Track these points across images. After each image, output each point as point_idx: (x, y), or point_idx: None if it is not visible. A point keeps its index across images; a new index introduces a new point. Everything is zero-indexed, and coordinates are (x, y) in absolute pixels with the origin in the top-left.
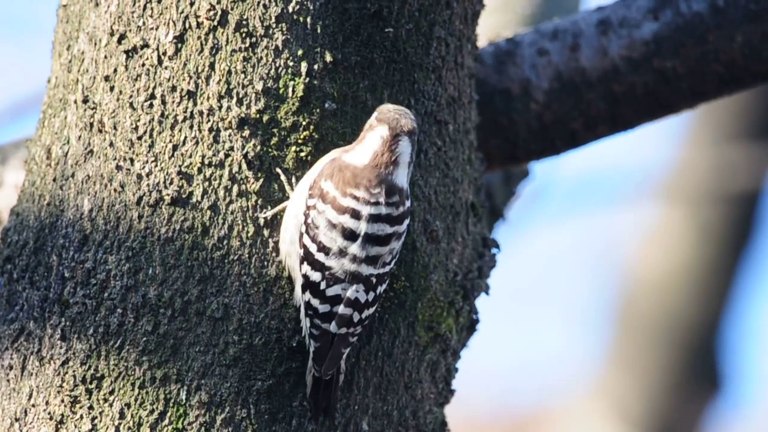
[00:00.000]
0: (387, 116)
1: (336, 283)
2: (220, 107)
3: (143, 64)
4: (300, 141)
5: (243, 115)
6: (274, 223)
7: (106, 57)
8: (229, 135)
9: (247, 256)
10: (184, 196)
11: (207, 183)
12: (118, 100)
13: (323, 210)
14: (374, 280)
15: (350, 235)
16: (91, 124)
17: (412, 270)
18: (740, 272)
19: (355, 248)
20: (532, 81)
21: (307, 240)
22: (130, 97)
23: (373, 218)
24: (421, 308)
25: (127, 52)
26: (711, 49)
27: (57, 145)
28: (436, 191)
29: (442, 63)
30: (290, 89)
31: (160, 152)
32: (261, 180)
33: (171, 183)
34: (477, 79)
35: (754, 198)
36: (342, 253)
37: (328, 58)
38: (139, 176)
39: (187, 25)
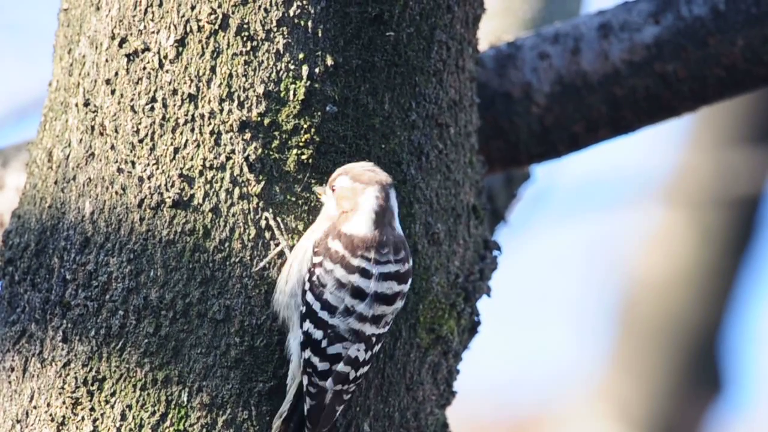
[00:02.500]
0: (366, 177)
1: (338, 342)
2: (222, 110)
3: (144, 68)
4: (301, 144)
5: (244, 118)
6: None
7: (107, 60)
8: (231, 138)
9: (248, 258)
10: (185, 198)
11: (208, 185)
12: (119, 103)
13: (331, 269)
14: (374, 340)
15: (359, 294)
16: (93, 127)
17: (413, 272)
18: (741, 275)
19: (362, 307)
20: (533, 84)
21: (310, 297)
22: (132, 100)
23: (383, 276)
24: (422, 310)
25: (128, 55)
26: (712, 53)
27: (58, 148)
28: (438, 194)
29: (443, 66)
30: (291, 92)
31: (162, 155)
32: (262, 182)
33: (172, 186)
34: (478, 83)
35: (756, 201)
36: (348, 311)
37: (329, 61)
38: (141, 179)
39: (188, 29)
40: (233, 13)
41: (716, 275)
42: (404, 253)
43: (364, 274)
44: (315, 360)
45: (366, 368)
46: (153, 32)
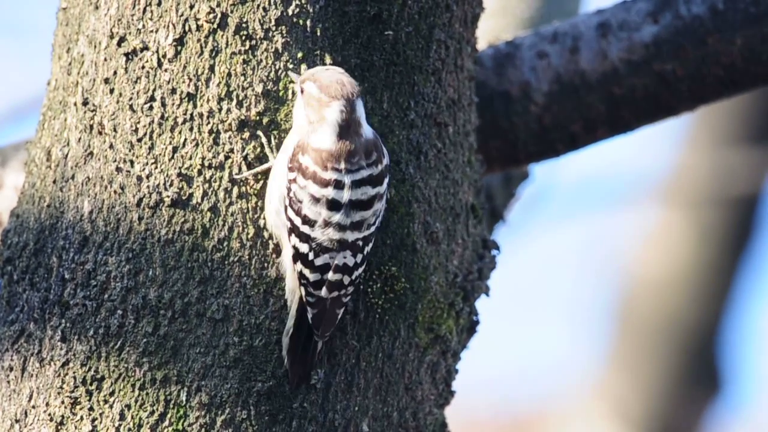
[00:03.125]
0: (332, 90)
1: (324, 253)
2: (220, 109)
3: (143, 67)
4: None
5: (243, 117)
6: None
7: (105, 59)
8: (229, 137)
9: (247, 257)
10: (184, 197)
11: (207, 185)
12: (117, 102)
13: (305, 185)
14: (361, 243)
15: (335, 206)
16: (91, 126)
17: (412, 271)
18: (740, 274)
19: (339, 217)
20: (532, 83)
21: (291, 213)
22: (130, 99)
23: (356, 183)
24: (421, 310)
25: (126, 54)
26: (711, 52)
27: (57, 147)
28: (436, 193)
29: (442, 66)
30: (290, 92)
31: (160, 154)
32: (261, 182)
33: (171, 185)
34: (477, 82)
35: (754, 201)
36: (327, 224)
37: (328, 60)
38: (139, 178)
39: (186, 28)
40: (232, 12)
41: (714, 274)
42: (376, 155)
43: (337, 185)
44: (306, 272)
45: (360, 270)
46: (152, 31)
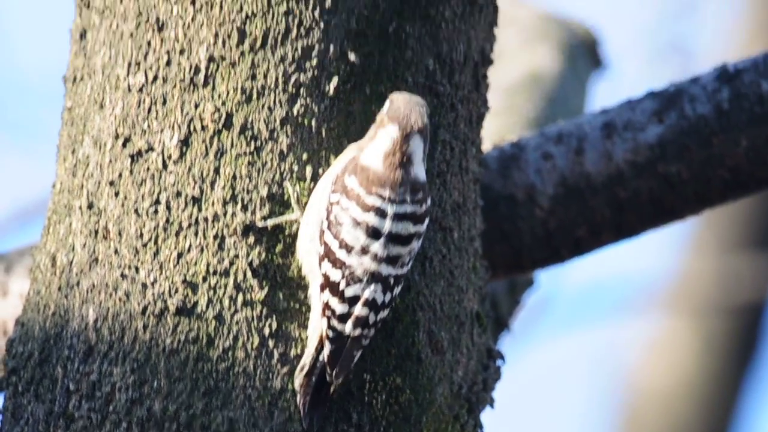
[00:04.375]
0: (397, 114)
1: (355, 283)
2: (225, 213)
3: (148, 169)
4: None
5: (248, 221)
6: (279, 334)
7: (110, 161)
8: (234, 242)
9: (252, 367)
10: (189, 305)
11: (212, 292)
12: (123, 205)
13: (347, 207)
14: (392, 281)
15: (374, 234)
16: (96, 231)
17: (417, 383)
18: (745, 383)
19: (377, 247)
20: (537, 186)
21: (328, 237)
22: (135, 202)
23: (398, 217)
24: (426, 422)
25: (132, 156)
26: (716, 153)
27: (62, 252)
28: (441, 300)
29: (447, 167)
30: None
31: (165, 260)
32: (266, 289)
33: (176, 292)
34: (482, 185)
35: (760, 308)
36: (364, 251)
37: (333, 161)
38: (144, 285)
39: (191, 128)
40: (237, 111)
41: (720, 383)
42: (422, 194)
43: (379, 212)
44: (333, 302)
45: (385, 312)
46: (157, 131)
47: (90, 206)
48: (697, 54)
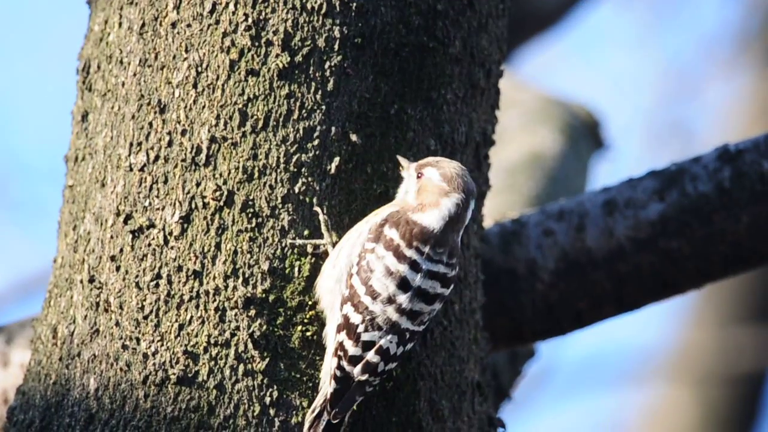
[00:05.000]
0: (456, 183)
1: (374, 330)
2: (227, 287)
3: (149, 244)
4: (306, 320)
5: (249, 294)
6: (280, 403)
7: (112, 237)
8: (235, 314)
9: None
10: (190, 375)
11: (213, 362)
12: (124, 279)
13: (383, 256)
14: (407, 336)
15: (404, 285)
16: (98, 304)
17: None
18: None
19: (404, 299)
20: (538, 261)
21: (356, 281)
22: (136, 276)
23: (430, 274)
24: None
25: (133, 232)
26: (717, 230)
27: (63, 324)
28: (442, 370)
29: None
30: (296, 269)
31: (166, 331)
32: (267, 359)
33: (177, 362)
34: (483, 259)
35: (760, 379)
36: (390, 300)
37: (335, 238)
38: (145, 355)
39: (193, 206)
40: (238, 189)
41: None
42: (456, 260)
43: (414, 266)
44: (348, 344)
45: (394, 364)
46: (158, 209)
47: (91, 280)
48: (698, 135)
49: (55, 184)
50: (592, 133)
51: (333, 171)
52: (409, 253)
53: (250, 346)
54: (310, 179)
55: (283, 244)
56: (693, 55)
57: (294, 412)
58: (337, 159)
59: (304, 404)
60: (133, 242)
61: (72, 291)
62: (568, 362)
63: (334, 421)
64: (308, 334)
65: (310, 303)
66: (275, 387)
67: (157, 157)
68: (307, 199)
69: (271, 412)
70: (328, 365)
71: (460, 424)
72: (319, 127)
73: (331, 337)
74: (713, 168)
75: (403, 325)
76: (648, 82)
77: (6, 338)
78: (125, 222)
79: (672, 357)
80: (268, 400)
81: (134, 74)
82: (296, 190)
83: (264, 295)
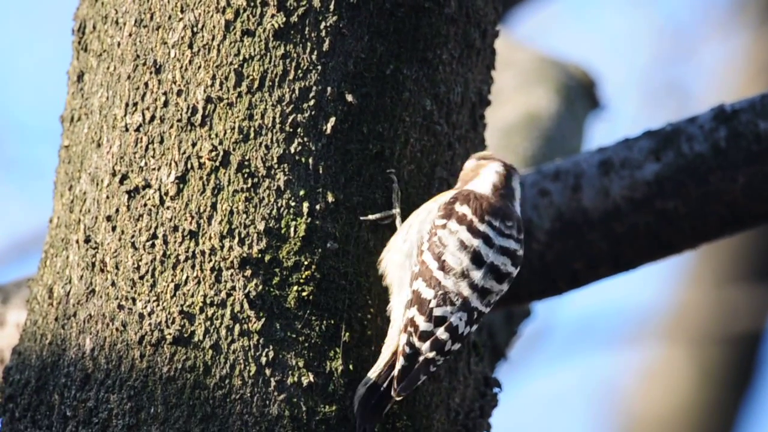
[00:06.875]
0: (494, 156)
1: (446, 305)
2: (222, 247)
3: (145, 205)
4: (302, 281)
5: (245, 254)
6: (276, 363)
7: (108, 197)
8: (231, 275)
9: (248, 395)
10: (186, 335)
11: (209, 322)
12: (119, 240)
13: (456, 230)
14: (475, 315)
15: (477, 260)
16: (93, 264)
17: (413, 409)
18: (742, 413)
19: (477, 275)
20: (534, 221)
21: (428, 257)
22: (132, 237)
23: (502, 250)
24: None
25: (129, 192)
26: (713, 190)
27: (59, 284)
28: None
29: None
30: (292, 229)
31: (162, 292)
32: (263, 319)
33: (173, 322)
34: None
35: (756, 338)
36: (463, 275)
37: (330, 198)
38: (141, 315)
39: (189, 166)
40: (234, 149)
41: (717, 413)
42: (523, 236)
43: (487, 241)
44: (419, 319)
45: (458, 345)
46: (154, 169)
47: (87, 240)
48: (694, 95)
49: (51, 145)
50: (588, 94)
51: (329, 131)
52: (483, 227)
53: (245, 306)
54: (305, 139)
55: (279, 204)
56: (689, 15)
57: (290, 372)
58: (332, 119)
59: (300, 364)
60: (128, 202)
61: (68, 251)
62: (564, 322)
63: (398, 399)
64: (304, 294)
65: (305, 263)
66: (271, 347)
67: (152, 118)
68: (303, 159)
69: (267, 372)
70: (394, 341)
71: (455, 384)
72: (314, 88)
73: (399, 313)
74: (709, 128)
75: (473, 303)
76: (644, 42)
77: (2, 298)
78: (121, 182)
79: (668, 317)
80: (264, 360)
81: (130, 34)
82: (292, 151)
83: (260, 255)
